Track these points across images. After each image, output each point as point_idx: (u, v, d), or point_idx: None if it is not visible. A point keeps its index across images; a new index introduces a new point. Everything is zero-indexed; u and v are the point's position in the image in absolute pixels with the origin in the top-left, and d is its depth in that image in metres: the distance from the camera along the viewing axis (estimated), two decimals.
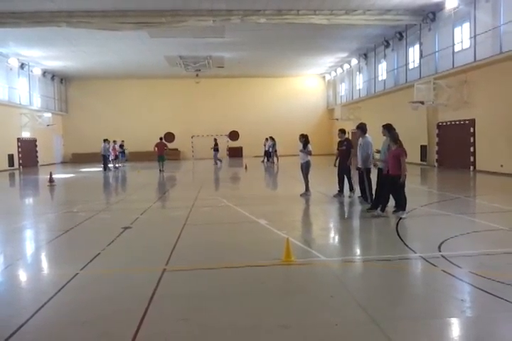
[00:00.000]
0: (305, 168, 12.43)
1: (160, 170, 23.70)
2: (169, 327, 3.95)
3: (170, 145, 38.62)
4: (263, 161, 30.27)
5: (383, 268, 5.65)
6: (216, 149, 28.84)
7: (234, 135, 39.11)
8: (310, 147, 12.45)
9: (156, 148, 25.00)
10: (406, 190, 8.94)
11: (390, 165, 8.77)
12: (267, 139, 30.41)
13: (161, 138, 26.46)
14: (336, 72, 37.91)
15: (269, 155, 29.67)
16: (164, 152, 24.66)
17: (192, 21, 20.43)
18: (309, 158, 12.49)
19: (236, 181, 20.58)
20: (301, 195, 12.22)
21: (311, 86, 40.84)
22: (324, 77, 40.96)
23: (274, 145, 29.28)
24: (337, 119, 35.33)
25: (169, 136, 39.09)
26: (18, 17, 19.63)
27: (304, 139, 12.51)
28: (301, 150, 12.43)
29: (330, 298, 4.61)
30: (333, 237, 8.01)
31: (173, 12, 20.07)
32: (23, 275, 5.94)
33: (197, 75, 35.49)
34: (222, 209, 10.63)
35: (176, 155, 38.01)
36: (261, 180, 20.33)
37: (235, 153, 38.37)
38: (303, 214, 9.84)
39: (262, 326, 3.96)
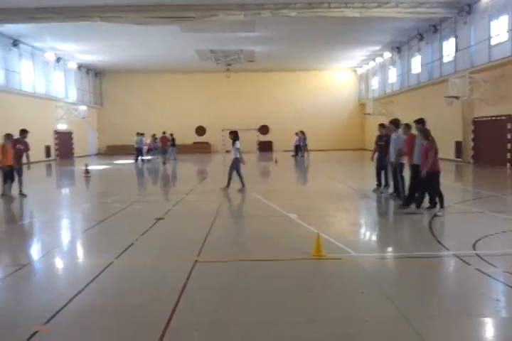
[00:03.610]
0: (235, 165, 12.52)
1: (164, 163, 25.15)
2: (199, 318, 4.02)
3: (201, 139, 39.19)
4: (293, 155, 30.17)
5: (415, 265, 5.59)
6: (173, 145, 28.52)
7: (264, 129, 39.11)
8: (238, 144, 12.54)
9: (160, 142, 26.56)
10: (441, 187, 8.76)
11: (422, 161, 8.64)
12: (297, 133, 30.26)
13: (164, 133, 27.57)
14: (368, 65, 37.31)
15: (300, 149, 29.54)
16: (167, 145, 26.45)
17: (223, 15, 20.46)
18: (238, 155, 12.50)
19: (266, 175, 20.60)
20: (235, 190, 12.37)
21: (343, 80, 40.33)
22: (356, 71, 40.38)
23: (304, 139, 29.13)
24: (369, 114, 34.83)
25: (200, 130, 39.53)
26: (54, 12, 20.09)
27: (233, 136, 12.55)
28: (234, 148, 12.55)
29: (360, 294, 4.60)
30: (364, 233, 7.95)
31: (204, 6, 20.14)
32: (59, 263, 6.15)
33: (227, 69, 35.55)
34: (253, 202, 10.68)
35: (206, 148, 38.37)
36: (291, 174, 20.30)
37: (265, 147, 38.36)
38: (334, 209, 9.77)
39: (290, 319, 3.98)
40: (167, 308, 4.18)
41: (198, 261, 5.68)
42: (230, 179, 12.56)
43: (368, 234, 7.87)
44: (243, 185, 12.54)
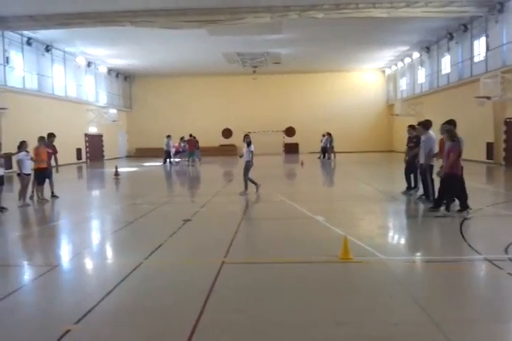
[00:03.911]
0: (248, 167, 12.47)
1: (188, 165, 25.47)
2: (228, 319, 4.06)
3: (227, 141, 39.41)
4: (320, 157, 30.01)
5: (445, 268, 5.49)
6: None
7: (290, 131, 39.04)
8: (253, 147, 12.55)
9: (187, 145, 26.78)
10: (470, 189, 8.60)
11: (445, 162, 8.52)
12: (324, 135, 30.10)
13: (190, 135, 27.85)
14: (396, 66, 36.81)
15: (326, 151, 29.37)
16: (194, 148, 26.68)
17: (250, 18, 20.56)
18: (251, 157, 12.46)
19: (292, 177, 20.57)
20: (240, 194, 12.22)
21: (370, 81, 39.90)
22: (384, 72, 39.88)
23: (331, 141, 28.95)
24: (397, 115, 34.35)
25: (226, 132, 39.76)
26: (85, 17, 20.59)
27: (248, 139, 12.61)
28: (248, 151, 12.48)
29: (389, 298, 4.55)
30: (393, 236, 7.85)
31: (232, 10, 20.28)
32: (90, 264, 6.30)
33: (254, 72, 35.69)
34: (279, 204, 10.68)
35: (232, 150, 38.53)
36: (317, 176, 20.20)
37: (291, 149, 38.29)
38: (361, 211, 9.68)
39: (318, 322, 3.97)
40: (195, 308, 4.23)
41: (225, 263, 5.72)
42: (246, 183, 12.53)
43: (396, 237, 7.77)
44: (246, 188, 12.47)
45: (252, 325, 3.94)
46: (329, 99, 38.92)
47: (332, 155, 28.86)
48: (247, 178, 12.46)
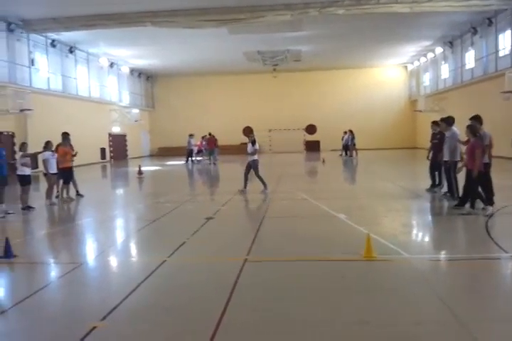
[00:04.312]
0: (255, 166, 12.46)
1: (210, 163, 25.53)
2: (251, 316, 4.07)
3: (247, 139, 39.39)
4: (341, 155, 29.79)
5: (471, 267, 5.40)
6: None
7: (311, 129, 38.82)
8: (257, 145, 12.62)
9: (207, 143, 26.98)
10: (497, 186, 8.42)
11: (468, 159, 8.35)
12: (345, 132, 29.86)
13: (209, 134, 27.96)
14: (419, 61, 36.23)
15: (348, 148, 29.13)
16: (214, 146, 26.77)
17: (270, 16, 20.51)
18: (255, 156, 12.53)
19: (314, 175, 20.49)
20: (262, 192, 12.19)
21: (392, 76, 39.38)
22: (406, 67, 39.30)
23: (352, 138, 28.70)
24: (420, 111, 33.83)
25: (247, 130, 39.80)
26: (107, 19, 20.88)
27: (253, 137, 12.68)
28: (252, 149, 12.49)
29: (413, 296, 4.50)
30: (417, 234, 7.75)
31: (252, 8, 20.26)
32: (114, 261, 6.40)
33: (274, 70, 35.62)
34: (300, 202, 10.65)
35: None
36: (339, 174, 20.06)
37: (312, 147, 38.08)
38: (384, 209, 9.57)
39: (341, 320, 3.96)
40: (218, 306, 4.26)
41: (248, 260, 5.74)
42: (262, 180, 12.53)
43: (420, 235, 7.66)
44: (245, 186, 12.48)
45: (275, 323, 3.93)
46: (351, 95, 38.59)
47: (354, 152, 28.62)
48: (260, 177, 12.49)
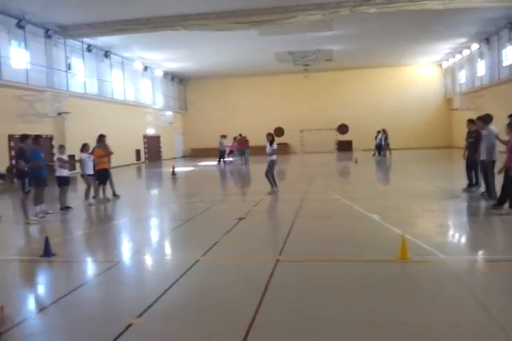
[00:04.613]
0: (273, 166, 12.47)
1: (241, 164, 25.61)
2: (284, 316, 4.07)
3: (279, 140, 39.41)
4: (374, 155, 29.38)
5: (509, 268, 5.24)
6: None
7: (343, 128, 38.48)
8: (275, 145, 12.54)
9: (238, 144, 27.09)
10: None
11: (507, 158, 8.09)
12: (379, 132, 29.41)
13: (240, 135, 28.03)
14: (454, 58, 35.35)
15: (381, 148, 28.69)
16: (245, 147, 26.70)
17: (301, 16, 20.44)
18: (274, 157, 12.51)
19: (346, 175, 20.29)
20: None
21: (427, 74, 38.55)
22: (441, 65, 38.40)
23: (386, 138, 28.26)
24: (456, 109, 33.01)
25: (278, 131, 39.78)
26: (139, 23, 21.33)
27: (272, 137, 12.66)
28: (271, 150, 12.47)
29: (449, 297, 4.40)
30: (453, 235, 7.56)
31: (283, 9, 20.25)
32: (150, 260, 6.52)
33: (305, 70, 35.49)
34: (333, 202, 10.58)
35: (285, 149, 38.51)
36: (372, 174, 19.79)
37: (344, 146, 37.70)
38: (419, 210, 9.39)
39: (377, 321, 3.91)
40: (251, 306, 4.28)
41: (280, 261, 5.75)
42: (274, 181, 12.61)
43: (457, 236, 7.48)
44: (275, 185, 12.53)
45: (308, 324, 3.92)
46: (384, 94, 38.03)
47: (387, 152, 28.17)
48: (273, 176, 12.53)
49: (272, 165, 12.51)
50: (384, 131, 28.37)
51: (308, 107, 38.61)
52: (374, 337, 3.64)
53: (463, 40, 29.20)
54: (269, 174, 12.58)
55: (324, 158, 30.55)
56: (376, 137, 29.70)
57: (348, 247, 6.46)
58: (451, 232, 7.72)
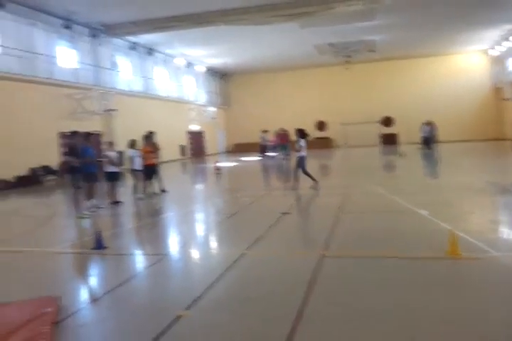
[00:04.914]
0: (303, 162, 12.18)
1: (283, 159, 25.28)
2: (331, 311, 4.06)
3: (321, 134, 39.10)
4: (421, 148, 28.57)
5: None
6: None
7: (387, 121, 37.64)
8: (302, 142, 12.19)
9: (279, 138, 26.87)
10: None
11: None
12: (425, 124, 28.55)
13: (282, 129, 27.81)
14: (502, 46, 33.72)
15: (428, 141, 27.84)
16: (286, 142, 26.41)
17: (341, 7, 20.09)
18: (303, 153, 12.19)
19: (391, 169, 19.87)
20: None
21: (474, 63, 36.97)
22: (488, 53, 36.76)
23: (433, 130, 27.40)
24: (507, 99, 31.56)
25: (320, 125, 39.43)
26: (181, 20, 21.65)
27: (300, 133, 12.29)
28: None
29: (502, 296, 4.25)
30: (507, 231, 7.26)
31: (322, 0, 20.00)
32: (196, 253, 6.64)
33: (347, 61, 34.90)
34: (378, 197, 10.38)
35: (327, 143, 38.13)
36: (419, 168, 19.26)
37: (389, 140, 36.87)
38: (470, 205, 9.05)
39: (424, 319, 3.82)
40: (297, 298, 4.30)
41: (325, 256, 5.72)
42: (296, 178, 12.45)
43: (510, 233, 7.18)
44: (314, 180, 12.26)
45: (356, 319, 3.89)
46: (429, 85, 36.84)
47: (434, 145, 27.34)
48: (306, 172, 12.35)
49: (300, 161, 12.38)
50: (430, 123, 27.54)
51: (350, 100, 38.02)
52: (420, 335, 3.56)
53: (511, 26, 27.80)
54: (298, 170, 12.45)
55: (368, 151, 30.04)
56: (422, 129, 28.84)
57: (394, 243, 6.34)
58: (504, 228, 7.41)
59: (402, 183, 13.29)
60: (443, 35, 29.19)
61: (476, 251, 5.56)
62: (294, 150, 12.70)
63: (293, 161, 13.30)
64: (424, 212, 8.09)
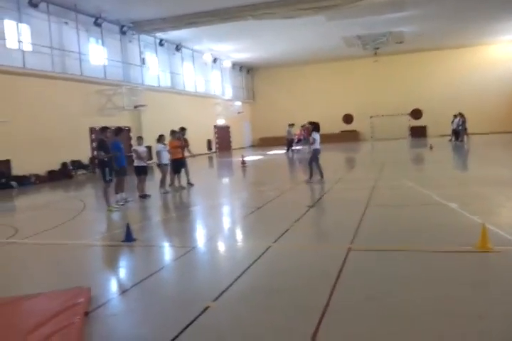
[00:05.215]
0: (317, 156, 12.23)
1: (309, 152, 24.96)
2: (357, 304, 4.04)
3: (348, 127, 38.72)
4: (451, 140, 27.97)
5: None
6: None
7: (416, 113, 36.95)
8: (314, 135, 12.25)
9: (305, 132, 26.38)
10: None
11: None
12: (455, 116, 27.93)
13: (309, 122, 27.25)
14: None
15: (458, 133, 27.22)
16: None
17: None
18: (317, 145, 12.27)
19: (420, 162, 19.52)
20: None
21: (506, 54, 35.82)
22: None
23: (463, 122, 26.76)
24: None
25: (347, 118, 39.03)
26: (209, 15, 21.74)
27: (314, 126, 12.31)
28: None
29: None
30: None
31: None
32: (223, 246, 6.70)
33: (375, 53, 34.35)
34: (407, 190, 10.23)
35: (354, 136, 37.74)
36: (449, 160, 18.86)
37: (418, 132, 36.22)
38: (501, 198, 8.81)
39: (454, 314, 3.76)
40: (324, 291, 4.29)
41: (352, 249, 5.69)
42: (311, 171, 12.56)
43: None
44: (322, 175, 12.43)
45: (384, 313, 3.85)
46: (459, 76, 35.93)
47: (465, 137, 26.70)
48: (318, 165, 12.39)
49: (315, 153, 12.37)
50: (461, 115, 26.90)
51: (378, 92, 37.45)
52: (452, 331, 3.50)
53: None
54: (312, 163, 12.43)
55: (396, 144, 29.58)
56: (453, 121, 28.22)
57: (423, 237, 6.24)
58: None
59: (432, 176, 13.04)
60: (474, 25, 28.37)
61: (508, 245, 5.42)
62: (309, 143, 12.70)
63: (322, 154, 13.26)
64: (453, 205, 7.94)
